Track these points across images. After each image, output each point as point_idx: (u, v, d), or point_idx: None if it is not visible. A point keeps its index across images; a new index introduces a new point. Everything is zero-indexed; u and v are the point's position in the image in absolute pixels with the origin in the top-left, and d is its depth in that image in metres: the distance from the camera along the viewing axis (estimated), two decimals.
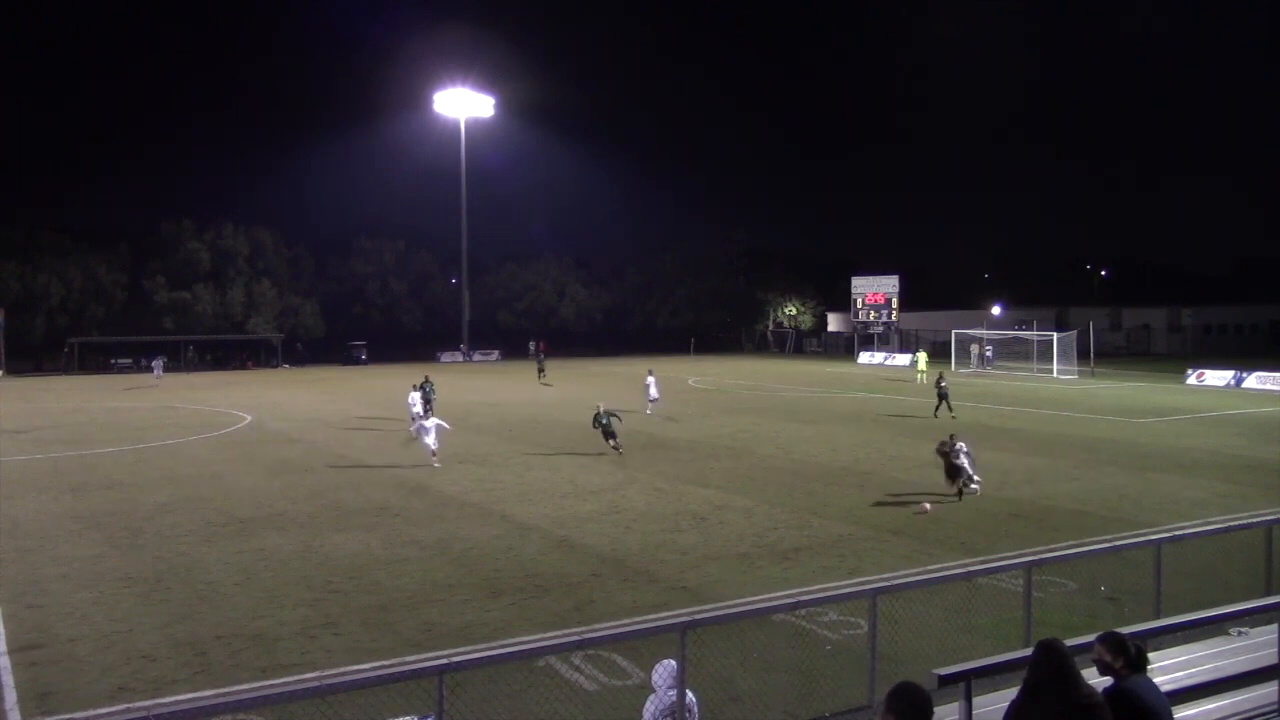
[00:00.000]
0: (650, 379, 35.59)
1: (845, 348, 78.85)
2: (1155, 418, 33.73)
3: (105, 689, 10.34)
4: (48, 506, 19.85)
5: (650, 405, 34.72)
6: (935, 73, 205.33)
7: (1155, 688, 5.86)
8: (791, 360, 74.94)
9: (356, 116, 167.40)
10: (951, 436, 20.17)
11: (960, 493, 19.30)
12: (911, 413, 35.44)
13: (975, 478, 19.61)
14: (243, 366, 70.53)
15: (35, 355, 68.79)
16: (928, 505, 18.35)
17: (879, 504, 19.22)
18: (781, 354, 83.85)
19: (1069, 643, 5.71)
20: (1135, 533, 16.08)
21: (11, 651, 11.43)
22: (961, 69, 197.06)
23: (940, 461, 19.77)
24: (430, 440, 23.78)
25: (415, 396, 31.09)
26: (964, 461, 19.44)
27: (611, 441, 25.29)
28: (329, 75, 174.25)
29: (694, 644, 8.12)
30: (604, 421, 25.48)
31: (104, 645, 11.64)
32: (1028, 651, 5.84)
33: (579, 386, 47.71)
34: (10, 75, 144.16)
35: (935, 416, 32.62)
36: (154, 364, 56.76)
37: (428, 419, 24.89)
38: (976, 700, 6.60)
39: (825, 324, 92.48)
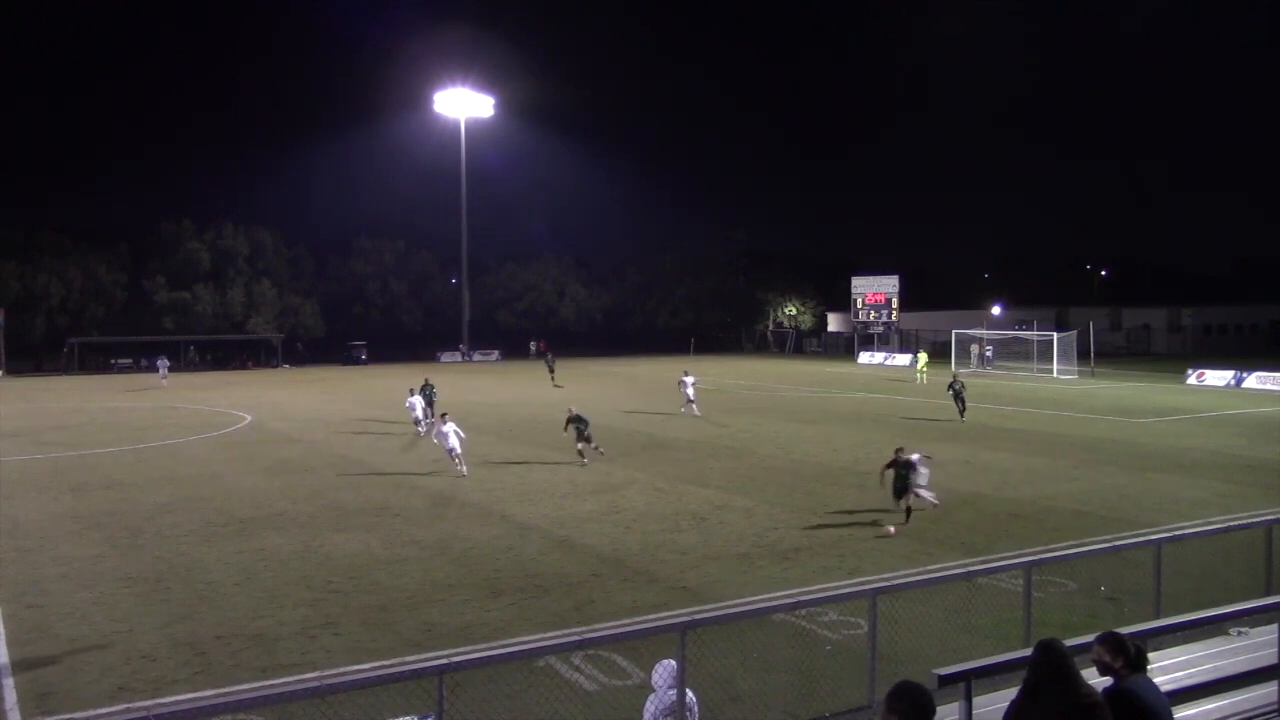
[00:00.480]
0: (688, 379, 35.09)
1: (845, 348, 78.82)
2: (1155, 418, 33.73)
3: (105, 689, 10.35)
4: (48, 506, 19.86)
5: (686, 406, 34.38)
6: (935, 73, 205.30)
7: (1155, 688, 5.85)
8: (791, 360, 74.93)
9: (356, 116, 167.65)
10: (902, 450, 18.21)
11: (909, 511, 17.52)
12: (911, 413, 35.45)
13: (926, 493, 17.94)
14: (243, 366, 70.48)
15: (35, 355, 68.75)
16: (891, 528, 16.91)
17: (879, 504, 19.16)
18: (781, 354, 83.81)
19: (1069, 643, 5.70)
20: (1135, 533, 16.09)
21: (11, 651, 11.43)
22: (961, 69, 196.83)
23: (887, 475, 17.70)
24: (455, 446, 22.62)
25: (415, 400, 30.59)
26: (919, 477, 17.62)
27: (582, 445, 24.11)
28: (329, 75, 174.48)
29: (694, 644, 8.12)
30: (578, 426, 24.28)
31: (104, 645, 11.65)
32: (1028, 651, 5.83)
33: (581, 387, 47.69)
34: (10, 75, 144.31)
35: (963, 420, 31.99)
36: (159, 364, 54.61)
37: (445, 424, 23.18)
38: (976, 700, 6.60)
39: (825, 324, 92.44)
